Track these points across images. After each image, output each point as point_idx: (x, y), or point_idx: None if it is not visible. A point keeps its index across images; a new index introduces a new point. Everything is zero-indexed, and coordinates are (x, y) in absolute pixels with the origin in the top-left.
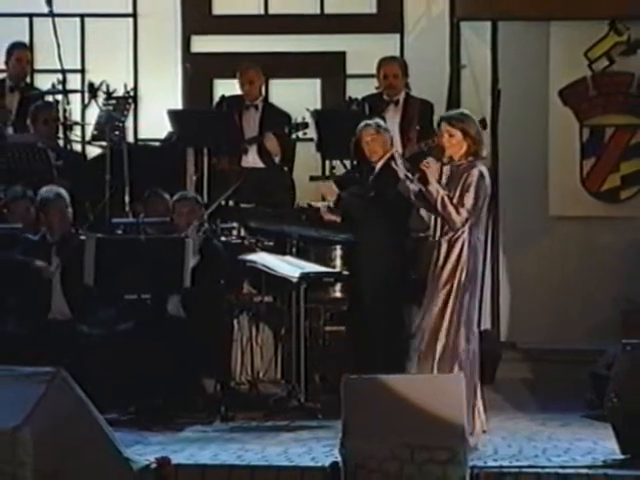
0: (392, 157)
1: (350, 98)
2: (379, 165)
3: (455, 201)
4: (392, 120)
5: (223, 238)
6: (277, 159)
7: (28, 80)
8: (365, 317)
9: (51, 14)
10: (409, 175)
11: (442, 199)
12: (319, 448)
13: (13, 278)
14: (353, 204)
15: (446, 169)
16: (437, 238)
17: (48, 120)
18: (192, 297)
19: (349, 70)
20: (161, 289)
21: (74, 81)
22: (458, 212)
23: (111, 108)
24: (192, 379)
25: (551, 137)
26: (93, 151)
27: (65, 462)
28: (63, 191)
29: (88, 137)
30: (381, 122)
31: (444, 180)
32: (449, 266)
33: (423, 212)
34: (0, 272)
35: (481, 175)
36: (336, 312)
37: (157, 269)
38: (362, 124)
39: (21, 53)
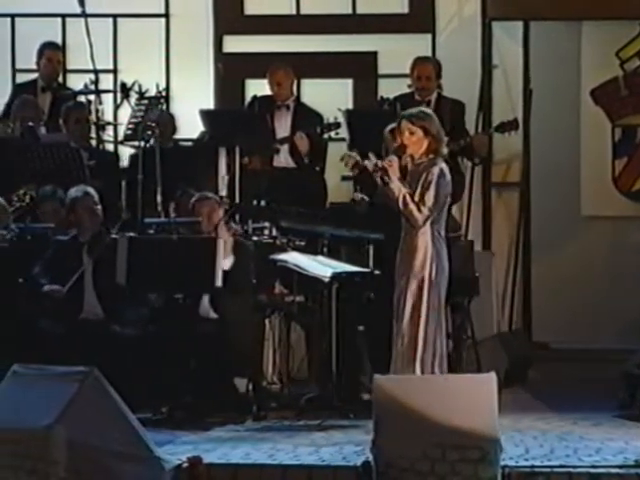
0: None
1: (382, 98)
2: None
3: (416, 199)
4: None
5: (255, 238)
6: (307, 159)
7: (60, 80)
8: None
9: (84, 14)
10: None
11: (404, 197)
12: (351, 447)
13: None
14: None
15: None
16: (402, 236)
17: (80, 120)
18: (223, 297)
19: (381, 70)
20: (192, 289)
21: (106, 81)
22: (419, 210)
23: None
24: (224, 379)
25: (583, 137)
26: (126, 151)
27: (97, 461)
28: (91, 189)
29: (121, 137)
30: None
31: (408, 178)
32: (416, 264)
33: (455, 212)
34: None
35: (441, 172)
36: (369, 312)
37: (189, 269)
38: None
39: (52, 53)
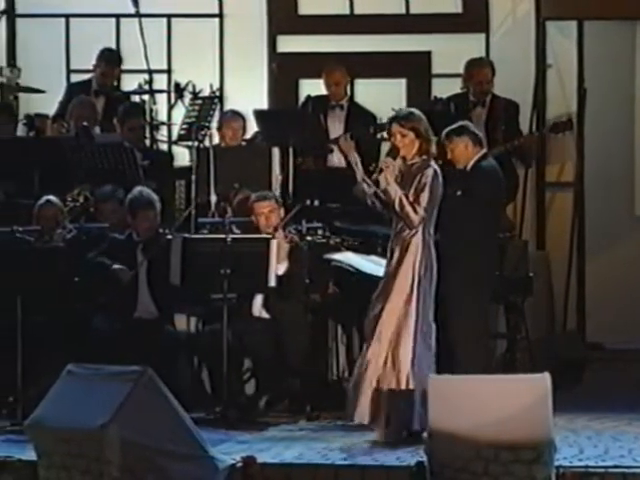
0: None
1: (435, 98)
2: (470, 164)
3: (411, 199)
4: (478, 120)
5: (308, 238)
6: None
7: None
8: (450, 317)
9: (138, 15)
10: (366, 178)
11: (400, 199)
12: (404, 448)
13: (99, 277)
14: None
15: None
16: (393, 237)
17: (135, 125)
18: (277, 297)
19: (434, 70)
20: (246, 289)
21: (160, 81)
22: (415, 211)
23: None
24: (277, 378)
25: (637, 136)
26: (180, 151)
27: (151, 461)
28: (155, 197)
29: (174, 137)
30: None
31: (399, 179)
32: (407, 264)
33: (509, 212)
34: (86, 272)
35: (435, 174)
36: None
37: (242, 269)
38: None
39: (108, 69)
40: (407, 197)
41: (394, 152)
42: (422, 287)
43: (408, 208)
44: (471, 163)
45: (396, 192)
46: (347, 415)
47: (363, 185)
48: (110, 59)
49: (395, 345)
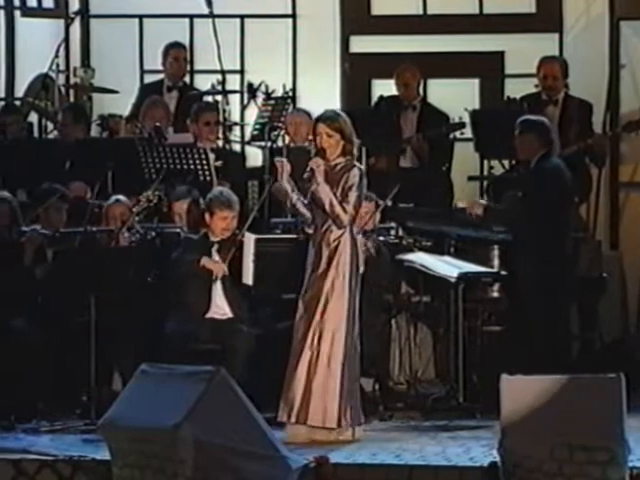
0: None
1: (509, 98)
2: (533, 162)
3: (339, 199)
4: (551, 120)
5: (381, 238)
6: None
7: (187, 81)
8: (524, 317)
9: (211, 15)
10: (290, 181)
11: (331, 200)
12: (477, 448)
13: (177, 277)
14: (510, 203)
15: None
16: (320, 237)
17: (210, 122)
18: None
19: (508, 70)
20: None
21: (233, 82)
22: (345, 211)
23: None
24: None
25: None
26: (252, 151)
27: (224, 460)
28: (235, 199)
29: (247, 137)
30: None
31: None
32: (340, 263)
33: (583, 212)
34: (165, 271)
35: (362, 174)
36: (494, 312)
37: None
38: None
39: (177, 52)
40: (336, 197)
41: (321, 153)
42: (353, 286)
43: (338, 208)
44: (534, 160)
45: (327, 193)
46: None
47: (286, 186)
48: (176, 44)
49: (331, 344)
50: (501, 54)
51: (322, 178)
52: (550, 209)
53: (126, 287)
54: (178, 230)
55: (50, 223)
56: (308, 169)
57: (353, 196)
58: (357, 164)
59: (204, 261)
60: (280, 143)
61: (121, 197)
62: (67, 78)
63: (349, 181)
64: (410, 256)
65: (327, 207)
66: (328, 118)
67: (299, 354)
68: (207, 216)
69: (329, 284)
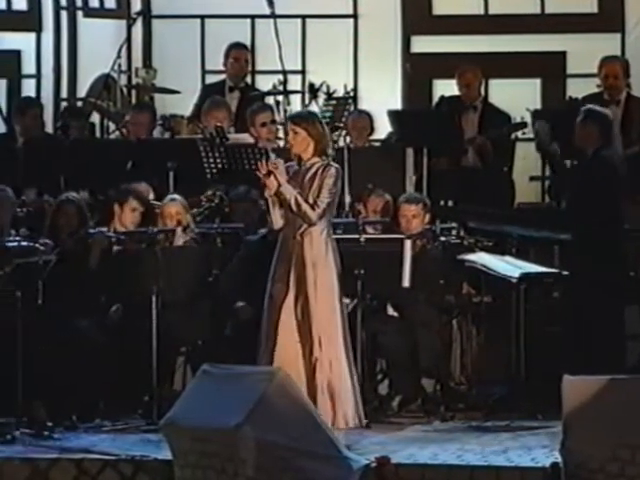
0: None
1: (570, 97)
2: (589, 153)
3: (312, 198)
4: (613, 120)
5: (442, 238)
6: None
7: (249, 81)
8: (585, 317)
9: (273, 15)
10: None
11: (295, 199)
12: (539, 448)
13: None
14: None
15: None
16: (295, 236)
17: (266, 122)
18: (411, 298)
19: (569, 70)
20: (380, 289)
21: (295, 82)
22: (313, 208)
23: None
24: (411, 379)
25: None
26: None
27: (286, 460)
28: None
29: None
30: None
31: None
32: (327, 262)
33: None
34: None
35: (337, 173)
36: (556, 312)
37: (376, 269)
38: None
39: (238, 53)
40: (302, 195)
41: (286, 152)
42: (339, 284)
43: (305, 206)
44: (591, 151)
45: (291, 192)
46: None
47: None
48: (238, 45)
49: (331, 344)
50: (563, 54)
51: (283, 178)
52: (603, 201)
53: (187, 287)
54: (239, 231)
55: (123, 224)
56: (266, 172)
57: (325, 194)
58: (334, 164)
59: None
60: (341, 143)
61: (176, 196)
62: (129, 78)
63: (324, 180)
64: (471, 256)
65: (293, 206)
66: (295, 116)
67: (296, 358)
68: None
69: (318, 285)
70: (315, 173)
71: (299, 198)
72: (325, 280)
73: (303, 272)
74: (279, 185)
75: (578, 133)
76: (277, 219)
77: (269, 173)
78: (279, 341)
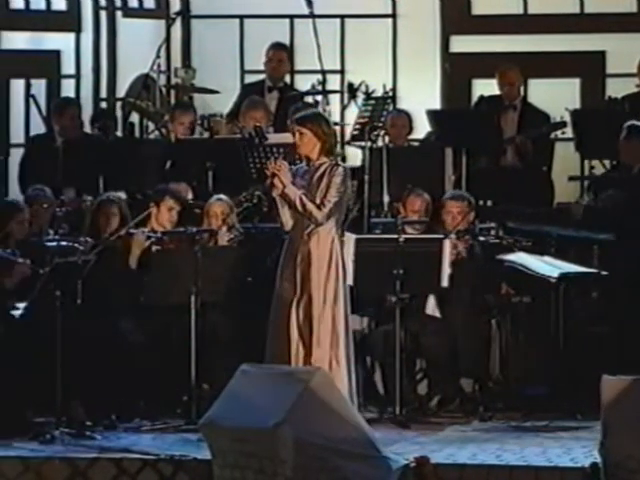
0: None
1: (610, 97)
2: (636, 168)
3: (320, 198)
4: None
5: (481, 238)
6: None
7: (288, 81)
8: (624, 318)
9: (311, 15)
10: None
11: (300, 199)
12: (578, 449)
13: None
14: (611, 203)
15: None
16: (302, 235)
17: None
18: (450, 297)
19: (609, 69)
20: (419, 289)
21: (334, 82)
22: (320, 208)
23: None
24: (450, 379)
25: None
26: (352, 151)
27: (324, 460)
28: None
29: (347, 137)
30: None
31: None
32: (331, 262)
33: None
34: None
35: (346, 173)
36: (595, 312)
37: (415, 269)
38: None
39: (278, 53)
40: (307, 196)
41: (293, 152)
42: (344, 285)
43: (310, 206)
44: (637, 168)
45: (295, 193)
46: None
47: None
48: (277, 45)
49: (331, 345)
50: (602, 54)
51: (288, 180)
52: None
53: (226, 286)
54: (277, 231)
55: (160, 223)
56: (270, 174)
57: (333, 194)
58: (342, 164)
59: None
60: (380, 143)
61: (222, 196)
62: (168, 78)
63: (331, 180)
64: (510, 256)
65: (298, 206)
66: (300, 117)
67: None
68: None
69: (322, 285)
70: (323, 173)
71: (304, 198)
72: (329, 280)
73: (308, 271)
74: (284, 186)
75: (623, 150)
76: (287, 219)
77: (273, 175)
78: (288, 341)
